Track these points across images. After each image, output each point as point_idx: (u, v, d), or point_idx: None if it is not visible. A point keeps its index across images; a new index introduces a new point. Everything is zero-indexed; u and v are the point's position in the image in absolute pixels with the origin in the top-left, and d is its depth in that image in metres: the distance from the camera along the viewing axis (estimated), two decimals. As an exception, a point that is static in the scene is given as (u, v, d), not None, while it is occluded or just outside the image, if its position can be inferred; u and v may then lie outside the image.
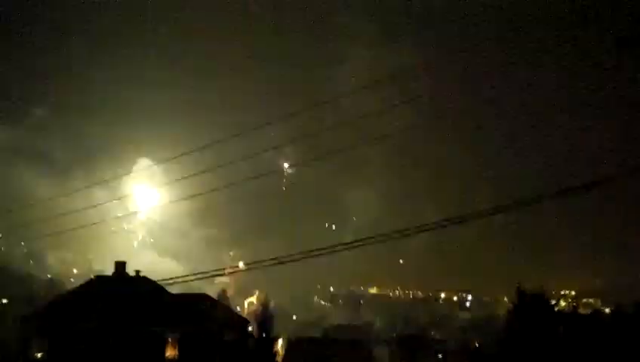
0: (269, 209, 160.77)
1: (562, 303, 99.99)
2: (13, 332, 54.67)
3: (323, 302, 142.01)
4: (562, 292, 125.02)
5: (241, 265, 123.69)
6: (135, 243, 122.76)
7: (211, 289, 74.63)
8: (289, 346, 70.29)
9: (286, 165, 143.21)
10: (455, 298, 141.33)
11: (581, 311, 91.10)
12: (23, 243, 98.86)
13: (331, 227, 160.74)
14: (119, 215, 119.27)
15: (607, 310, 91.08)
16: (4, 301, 64.44)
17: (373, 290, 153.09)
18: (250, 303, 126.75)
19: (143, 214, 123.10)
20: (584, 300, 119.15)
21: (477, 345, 68.99)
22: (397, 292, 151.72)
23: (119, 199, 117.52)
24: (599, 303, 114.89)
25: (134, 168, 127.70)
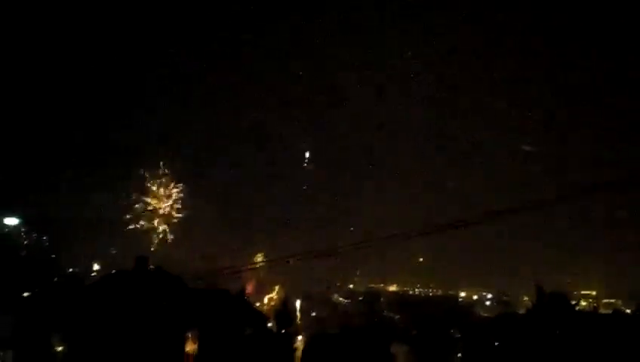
0: (290, 207, 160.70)
1: (583, 303, 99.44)
2: (35, 326, 55.21)
3: (342, 299, 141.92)
4: (583, 292, 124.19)
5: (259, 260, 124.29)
6: (156, 240, 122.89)
7: (231, 286, 74.82)
8: (308, 342, 70.51)
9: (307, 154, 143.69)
10: (475, 296, 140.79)
11: (602, 311, 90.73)
12: (44, 237, 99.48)
13: (349, 224, 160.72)
14: (138, 207, 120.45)
15: (628, 311, 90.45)
16: (26, 294, 64.95)
17: (393, 288, 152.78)
18: (269, 299, 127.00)
19: (164, 210, 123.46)
20: (605, 300, 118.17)
21: (496, 344, 68.74)
22: (416, 290, 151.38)
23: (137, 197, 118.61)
24: (620, 303, 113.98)
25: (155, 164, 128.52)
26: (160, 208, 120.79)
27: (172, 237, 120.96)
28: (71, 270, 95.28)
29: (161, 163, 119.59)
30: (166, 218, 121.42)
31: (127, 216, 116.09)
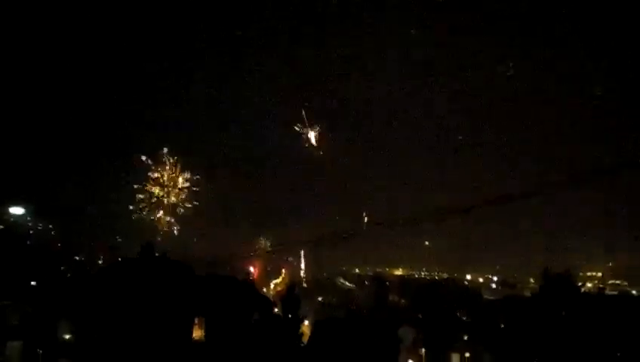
0: (298, 192, 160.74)
1: (589, 284, 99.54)
2: (43, 314, 55.51)
3: (348, 284, 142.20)
4: (589, 274, 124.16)
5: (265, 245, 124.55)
6: (162, 228, 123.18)
7: (238, 272, 75.19)
8: (315, 327, 70.63)
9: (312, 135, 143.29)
10: (481, 279, 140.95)
11: (608, 292, 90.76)
12: (50, 226, 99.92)
13: (359, 209, 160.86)
14: (142, 197, 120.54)
15: (634, 292, 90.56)
16: (33, 283, 65.24)
17: (399, 272, 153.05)
18: (276, 285, 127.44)
19: (169, 199, 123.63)
20: (610, 281, 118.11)
21: (502, 326, 68.87)
22: (422, 273, 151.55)
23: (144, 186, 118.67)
24: (626, 284, 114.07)
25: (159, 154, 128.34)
26: (165, 196, 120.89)
27: (178, 228, 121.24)
28: (77, 258, 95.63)
29: (165, 150, 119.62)
30: (172, 206, 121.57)
31: (132, 207, 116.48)
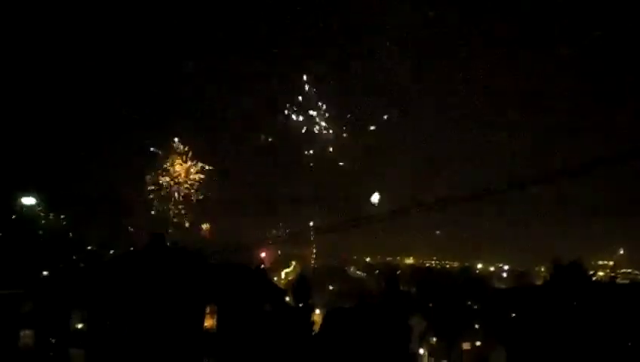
0: (309, 181, 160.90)
1: (600, 273, 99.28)
2: (54, 304, 55.80)
3: (359, 272, 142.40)
4: (600, 263, 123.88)
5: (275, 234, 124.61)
6: (174, 217, 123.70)
7: (249, 261, 75.27)
8: (325, 316, 70.80)
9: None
10: (492, 268, 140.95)
11: (619, 281, 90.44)
12: (62, 215, 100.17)
13: (369, 198, 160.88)
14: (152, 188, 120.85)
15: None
16: (45, 273, 65.54)
17: (410, 261, 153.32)
18: (287, 273, 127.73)
19: (181, 189, 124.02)
20: (622, 270, 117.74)
21: (513, 315, 68.79)
22: (433, 262, 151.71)
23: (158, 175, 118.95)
24: (637, 273, 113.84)
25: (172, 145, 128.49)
26: (176, 186, 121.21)
27: (190, 217, 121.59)
28: (89, 248, 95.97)
29: (176, 140, 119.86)
30: (184, 196, 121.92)
31: (149, 194, 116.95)
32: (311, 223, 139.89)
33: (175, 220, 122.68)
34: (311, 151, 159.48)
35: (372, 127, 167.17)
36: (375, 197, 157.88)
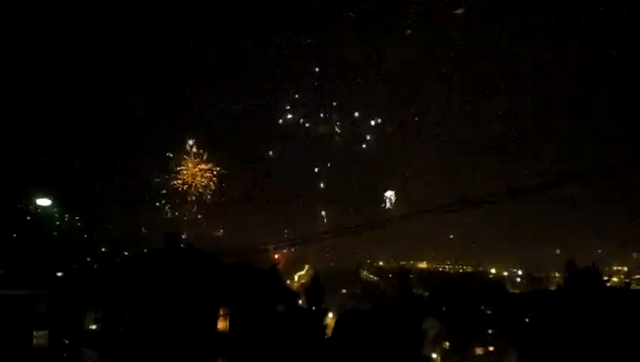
0: (320, 184, 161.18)
1: (614, 279, 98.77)
2: (69, 304, 56.02)
3: (372, 276, 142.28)
4: (615, 268, 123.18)
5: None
6: (186, 219, 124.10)
7: (262, 263, 75.33)
8: (338, 319, 70.84)
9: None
10: (505, 273, 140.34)
11: (634, 287, 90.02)
12: (77, 217, 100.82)
13: (383, 201, 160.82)
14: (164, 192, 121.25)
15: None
16: (60, 274, 65.85)
17: (423, 264, 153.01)
18: (300, 276, 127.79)
19: (194, 189, 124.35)
20: (637, 276, 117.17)
21: (527, 320, 68.56)
22: (446, 266, 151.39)
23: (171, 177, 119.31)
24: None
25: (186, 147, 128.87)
26: (191, 188, 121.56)
27: (200, 216, 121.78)
28: (103, 249, 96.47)
29: (191, 142, 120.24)
30: (198, 198, 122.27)
31: (162, 196, 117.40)
32: (323, 222, 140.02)
33: (187, 221, 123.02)
34: (324, 153, 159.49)
35: (389, 129, 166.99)
36: (389, 193, 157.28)
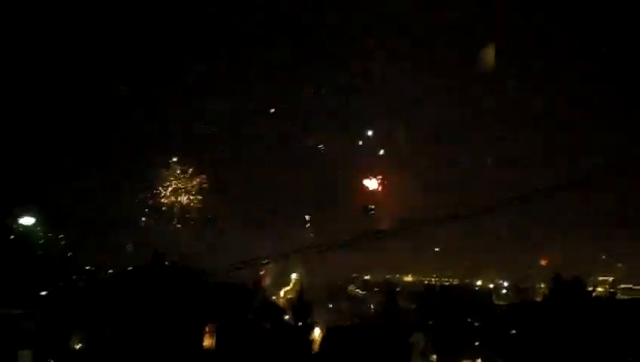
0: (303, 197, 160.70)
1: (600, 289, 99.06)
2: (54, 324, 55.63)
3: (358, 290, 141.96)
4: (600, 278, 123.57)
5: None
6: (172, 236, 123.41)
7: (247, 280, 75.09)
8: (325, 334, 70.65)
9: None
10: (491, 285, 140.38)
11: (620, 296, 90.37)
12: (60, 235, 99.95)
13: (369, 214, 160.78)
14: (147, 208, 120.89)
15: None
16: (44, 293, 65.36)
17: (409, 278, 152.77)
18: (286, 292, 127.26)
19: (179, 204, 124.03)
20: (623, 286, 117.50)
21: (513, 331, 68.70)
22: (432, 280, 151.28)
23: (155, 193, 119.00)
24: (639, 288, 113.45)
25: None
26: (174, 204, 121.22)
27: (187, 236, 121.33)
28: (88, 267, 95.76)
29: (174, 159, 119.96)
30: (181, 214, 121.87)
31: (147, 213, 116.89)
32: (308, 238, 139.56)
33: (172, 238, 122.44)
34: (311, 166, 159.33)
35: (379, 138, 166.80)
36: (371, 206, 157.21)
